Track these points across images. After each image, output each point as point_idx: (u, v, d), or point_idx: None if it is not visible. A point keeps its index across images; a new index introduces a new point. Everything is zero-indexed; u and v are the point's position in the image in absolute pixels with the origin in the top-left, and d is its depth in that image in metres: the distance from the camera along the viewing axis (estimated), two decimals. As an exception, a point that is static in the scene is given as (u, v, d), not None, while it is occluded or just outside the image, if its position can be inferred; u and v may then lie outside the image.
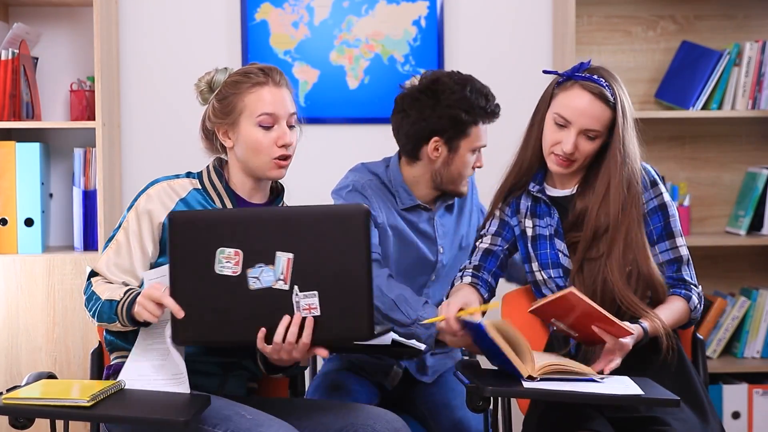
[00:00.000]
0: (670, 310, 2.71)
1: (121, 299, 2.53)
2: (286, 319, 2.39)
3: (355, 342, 2.51)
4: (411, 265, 3.11)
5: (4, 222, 3.69)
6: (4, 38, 3.77)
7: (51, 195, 3.93)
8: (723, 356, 4.11)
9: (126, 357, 2.63)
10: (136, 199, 2.70)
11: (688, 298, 2.75)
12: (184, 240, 2.39)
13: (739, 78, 4.03)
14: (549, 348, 2.87)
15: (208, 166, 2.78)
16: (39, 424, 2.49)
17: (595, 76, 2.72)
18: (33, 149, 3.71)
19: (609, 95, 2.71)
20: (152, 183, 2.72)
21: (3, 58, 3.68)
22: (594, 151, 2.75)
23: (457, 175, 3.12)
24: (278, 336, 2.39)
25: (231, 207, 2.73)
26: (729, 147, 4.23)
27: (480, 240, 2.96)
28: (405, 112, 3.09)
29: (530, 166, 2.87)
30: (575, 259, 2.77)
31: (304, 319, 2.39)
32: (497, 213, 2.94)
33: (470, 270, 2.91)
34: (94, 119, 3.76)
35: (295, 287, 2.38)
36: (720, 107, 4.05)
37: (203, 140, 2.81)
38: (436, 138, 3.06)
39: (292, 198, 3.33)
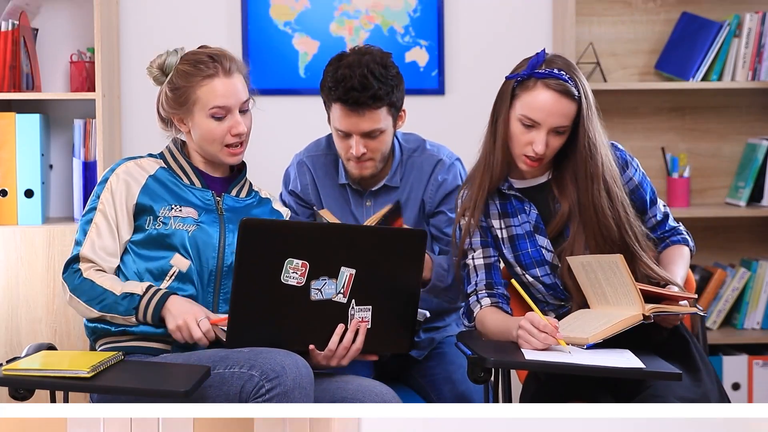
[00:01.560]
0: (683, 260, 2.78)
1: (145, 294, 2.58)
2: (341, 327, 2.52)
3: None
4: None
5: (4, 193, 3.69)
6: (4, 9, 3.75)
7: (51, 166, 3.93)
8: (723, 327, 4.12)
9: (113, 342, 2.66)
10: (104, 180, 2.74)
11: (686, 242, 2.84)
12: (254, 246, 2.44)
13: (739, 49, 4.01)
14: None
15: (168, 147, 2.86)
16: (39, 395, 2.50)
17: (556, 71, 2.64)
18: (33, 120, 3.71)
19: (573, 89, 2.64)
20: (118, 164, 2.78)
21: (3, 29, 3.66)
22: (562, 144, 2.70)
23: (340, 155, 3.04)
24: (332, 343, 2.52)
25: (198, 182, 2.80)
26: (729, 118, 4.22)
27: (470, 257, 2.81)
28: None
29: (502, 169, 2.75)
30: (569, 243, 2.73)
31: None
32: (472, 222, 2.78)
33: (484, 291, 2.79)
34: (94, 90, 3.74)
35: (353, 301, 2.51)
36: (720, 78, 4.04)
37: (159, 122, 2.87)
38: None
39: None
